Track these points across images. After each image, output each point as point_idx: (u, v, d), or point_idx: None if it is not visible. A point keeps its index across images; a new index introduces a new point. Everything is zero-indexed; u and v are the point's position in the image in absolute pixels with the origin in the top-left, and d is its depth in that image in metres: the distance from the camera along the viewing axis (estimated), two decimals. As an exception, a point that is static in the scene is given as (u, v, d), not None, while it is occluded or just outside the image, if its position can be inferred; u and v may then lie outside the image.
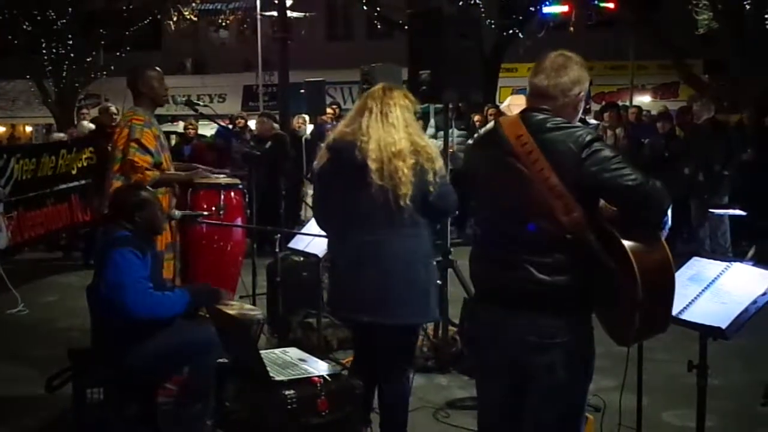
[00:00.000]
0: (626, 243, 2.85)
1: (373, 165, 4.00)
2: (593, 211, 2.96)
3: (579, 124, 3.09)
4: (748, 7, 17.34)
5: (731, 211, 9.47)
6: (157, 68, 5.70)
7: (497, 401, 3.27)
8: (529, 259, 2.99)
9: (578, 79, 3.13)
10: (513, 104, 17.16)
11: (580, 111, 3.22)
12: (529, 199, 2.98)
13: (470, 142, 3.49)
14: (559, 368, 3.03)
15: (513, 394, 3.18)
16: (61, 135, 12.86)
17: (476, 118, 12.20)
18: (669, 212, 2.92)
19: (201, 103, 6.81)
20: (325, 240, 5.34)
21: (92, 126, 11.81)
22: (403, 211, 4.01)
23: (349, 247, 4.21)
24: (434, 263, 4.26)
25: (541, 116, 3.06)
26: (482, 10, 17.49)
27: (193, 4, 25.68)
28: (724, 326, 3.25)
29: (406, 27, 8.18)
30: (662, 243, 2.93)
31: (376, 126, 4.07)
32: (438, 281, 4.24)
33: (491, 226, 3.21)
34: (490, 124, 3.34)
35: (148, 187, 4.93)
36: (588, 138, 2.94)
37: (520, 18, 18.92)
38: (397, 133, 4.04)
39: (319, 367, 4.04)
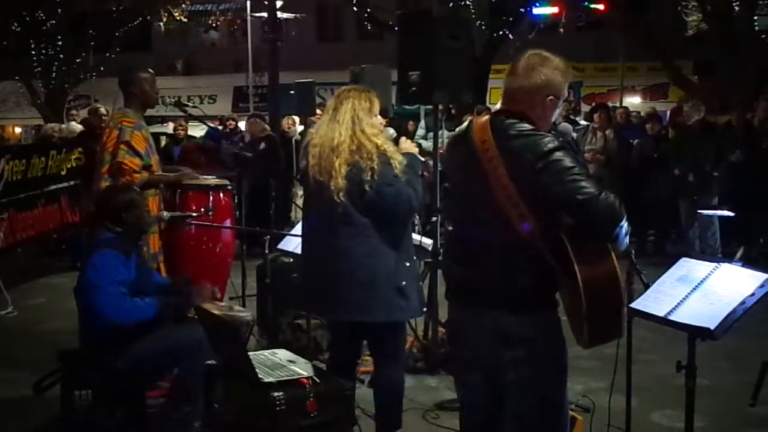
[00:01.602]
0: (574, 256, 2.86)
1: (312, 161, 4.12)
2: (550, 222, 2.93)
3: (543, 132, 3.00)
4: (737, 8, 17.42)
5: (720, 212, 9.50)
6: (150, 70, 5.69)
7: (475, 399, 3.28)
8: (492, 259, 3.03)
9: (548, 82, 3.06)
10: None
11: (552, 117, 3.15)
12: (490, 204, 2.98)
13: (446, 141, 3.51)
14: (523, 364, 3.04)
15: (488, 392, 3.19)
16: (54, 125, 12.74)
17: (468, 119, 12.20)
18: (624, 225, 2.89)
19: (190, 104, 6.81)
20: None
21: (79, 128, 11.77)
22: (338, 208, 4.06)
23: (308, 245, 4.39)
24: (401, 264, 4.20)
25: (508, 121, 3.02)
26: (472, 11, 17.52)
27: (183, 5, 25.62)
28: (712, 327, 3.24)
29: (396, 28, 8.18)
30: (611, 256, 2.93)
31: (326, 125, 4.19)
32: (404, 282, 4.18)
33: (460, 225, 3.28)
34: (464, 125, 3.30)
35: (135, 188, 4.92)
36: (547, 147, 2.90)
37: (511, 19, 18.93)
38: (340, 128, 4.10)
39: (308, 369, 4.04)
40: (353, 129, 4.10)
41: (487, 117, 3.13)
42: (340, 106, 4.18)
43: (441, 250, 6.19)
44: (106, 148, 5.35)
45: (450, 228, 3.40)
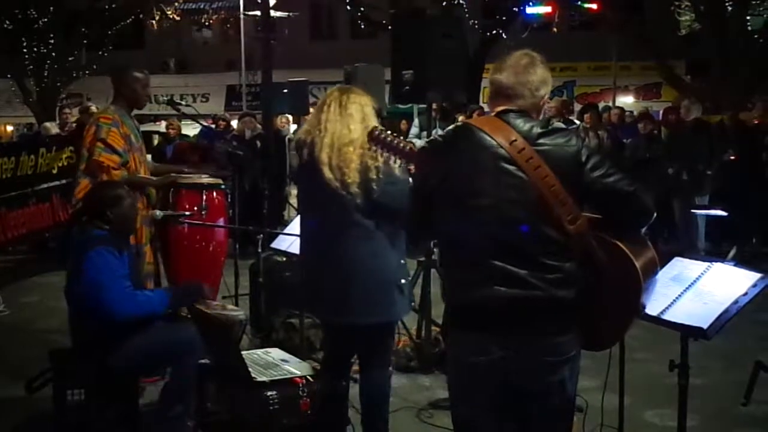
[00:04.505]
0: (626, 247, 2.83)
1: (324, 157, 3.99)
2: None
3: (562, 126, 3.04)
4: (729, 8, 17.47)
5: (713, 212, 9.51)
6: (145, 71, 5.65)
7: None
8: (538, 274, 2.82)
9: (544, 79, 3.00)
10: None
11: (542, 115, 3.11)
12: (533, 208, 2.82)
13: (425, 145, 3.12)
14: (567, 383, 2.97)
15: (505, 422, 3.05)
16: (49, 124, 12.69)
17: (461, 118, 12.21)
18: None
19: (183, 103, 6.78)
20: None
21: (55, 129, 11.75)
22: (352, 209, 3.98)
23: (310, 246, 4.26)
24: (399, 262, 4.19)
25: (522, 119, 2.91)
26: (466, 10, 17.53)
27: (176, 4, 25.57)
28: (705, 326, 3.25)
29: (389, 27, 8.18)
30: (649, 243, 2.95)
31: (334, 119, 4.07)
32: (403, 280, 4.15)
33: (486, 238, 2.87)
34: (456, 126, 3.12)
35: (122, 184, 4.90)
36: (580, 142, 2.89)
37: (504, 18, 18.95)
38: (353, 125, 4.02)
39: (302, 368, 4.04)
40: (364, 125, 4.01)
41: (494, 117, 2.98)
42: (349, 104, 4.10)
43: (434, 249, 6.21)
44: (85, 146, 5.36)
45: (457, 247, 2.98)
